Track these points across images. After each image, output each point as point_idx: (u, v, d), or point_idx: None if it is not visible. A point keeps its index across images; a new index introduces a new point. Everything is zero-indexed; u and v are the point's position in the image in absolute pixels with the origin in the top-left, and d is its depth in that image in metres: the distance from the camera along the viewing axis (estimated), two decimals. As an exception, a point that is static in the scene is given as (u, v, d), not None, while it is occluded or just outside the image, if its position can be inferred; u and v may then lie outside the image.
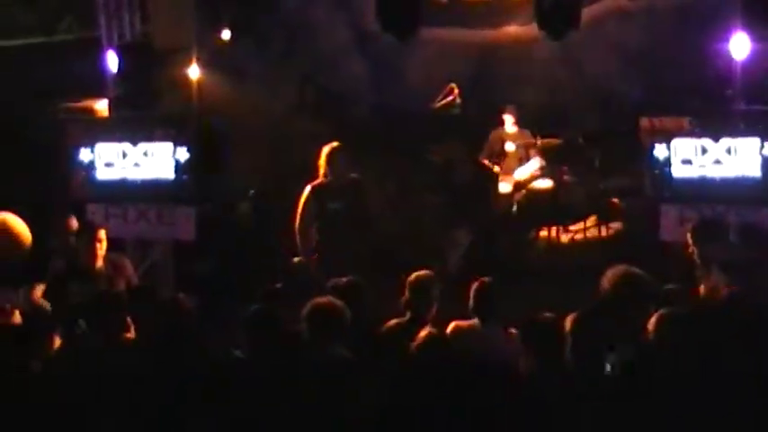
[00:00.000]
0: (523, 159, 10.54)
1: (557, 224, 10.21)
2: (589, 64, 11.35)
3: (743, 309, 5.16)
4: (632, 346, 4.79)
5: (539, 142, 10.52)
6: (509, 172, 10.42)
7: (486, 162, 9.85)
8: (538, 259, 9.85)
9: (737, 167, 7.38)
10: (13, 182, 9.19)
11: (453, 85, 10.75)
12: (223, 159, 8.32)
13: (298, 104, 11.53)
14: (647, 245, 7.84)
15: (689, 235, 6.48)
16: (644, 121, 8.46)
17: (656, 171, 7.56)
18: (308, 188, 7.85)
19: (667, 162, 7.50)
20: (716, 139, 7.41)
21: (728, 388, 4.46)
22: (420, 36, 8.61)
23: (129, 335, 5.55)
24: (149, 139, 8.00)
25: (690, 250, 6.42)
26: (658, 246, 7.56)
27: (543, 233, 10.23)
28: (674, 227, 7.40)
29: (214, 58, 9.34)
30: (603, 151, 10.44)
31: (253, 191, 10.04)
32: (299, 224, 7.83)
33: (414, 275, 6.05)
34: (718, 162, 7.42)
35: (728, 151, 7.39)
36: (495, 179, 9.71)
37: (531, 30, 9.50)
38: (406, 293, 5.99)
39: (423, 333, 5.23)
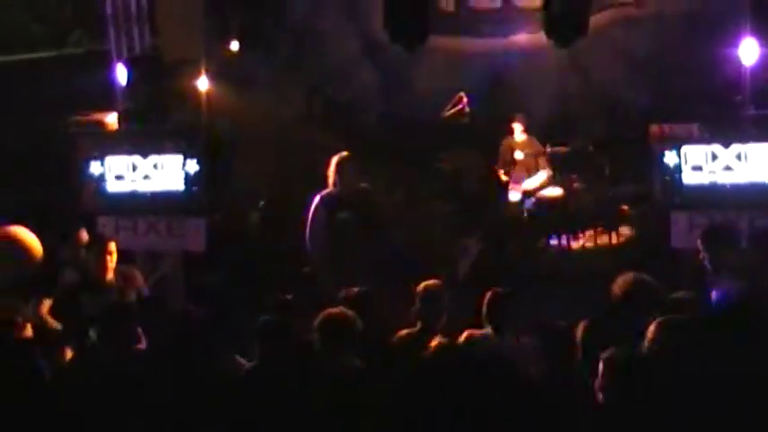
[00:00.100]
0: (532, 168, 10.53)
1: (567, 231, 10.19)
2: (597, 71, 11.35)
3: (753, 313, 5.13)
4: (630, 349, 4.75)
5: (548, 150, 10.52)
6: (519, 180, 10.41)
7: (495, 170, 9.85)
8: (548, 266, 9.83)
9: (748, 173, 7.35)
10: (24, 195, 9.23)
11: (462, 94, 10.75)
12: (232, 171, 8.35)
13: (306, 114, 11.55)
14: (658, 252, 7.82)
15: (699, 241, 6.46)
16: (653, 128, 8.47)
17: (667, 178, 7.54)
18: (317, 198, 7.85)
19: (677, 169, 7.47)
20: (726, 146, 7.38)
21: (734, 392, 4.43)
22: (428, 45, 8.62)
23: (139, 346, 5.55)
24: (159, 151, 8.03)
25: (700, 256, 6.39)
26: (668, 253, 7.54)
27: (553, 241, 10.22)
28: (685, 233, 7.37)
29: (223, 70, 9.38)
30: (613, 158, 10.43)
31: (263, 202, 10.06)
32: (309, 234, 7.84)
33: (422, 285, 6.05)
34: (728, 168, 7.39)
35: (739, 157, 7.37)
36: (503, 187, 9.71)
37: (540, 38, 9.52)
38: (416, 304, 5.99)
39: (434, 342, 5.23)
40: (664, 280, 5.55)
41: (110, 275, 6.86)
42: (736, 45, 7.57)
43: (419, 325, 5.93)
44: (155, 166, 8.04)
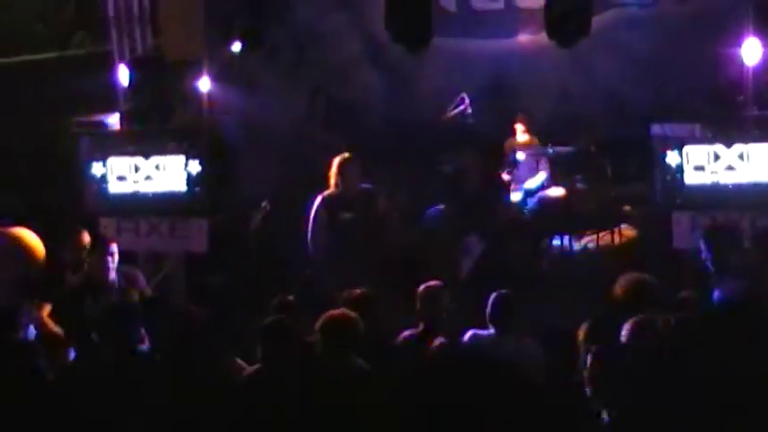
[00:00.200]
0: (534, 168, 10.52)
1: (569, 232, 10.18)
2: (599, 71, 11.33)
3: (754, 313, 5.12)
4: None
5: (550, 150, 10.51)
6: (521, 181, 10.40)
7: (497, 171, 9.85)
8: (550, 267, 9.82)
9: (750, 173, 7.34)
10: (27, 196, 9.24)
11: (464, 95, 10.75)
12: (234, 171, 8.35)
13: (308, 115, 11.54)
14: (660, 252, 7.80)
15: (701, 241, 6.45)
16: (655, 128, 8.44)
17: (669, 178, 7.53)
18: (318, 199, 7.85)
19: (679, 169, 7.47)
20: (728, 146, 7.38)
21: (734, 392, 4.42)
22: (431, 46, 8.61)
23: (142, 347, 5.56)
24: (161, 152, 8.04)
25: (703, 257, 6.39)
26: (671, 253, 7.53)
27: (555, 241, 10.22)
28: (687, 234, 7.36)
29: (225, 71, 9.38)
30: (615, 159, 10.41)
31: (265, 202, 10.06)
32: (311, 235, 7.84)
33: (423, 287, 6.05)
34: (730, 168, 7.38)
35: (741, 157, 7.36)
36: (505, 188, 9.71)
37: (542, 39, 9.51)
38: (418, 305, 5.99)
39: (436, 343, 5.23)
40: (666, 280, 5.54)
41: (112, 276, 6.87)
42: (738, 45, 7.56)
43: (421, 326, 5.93)
44: (157, 167, 8.04)
